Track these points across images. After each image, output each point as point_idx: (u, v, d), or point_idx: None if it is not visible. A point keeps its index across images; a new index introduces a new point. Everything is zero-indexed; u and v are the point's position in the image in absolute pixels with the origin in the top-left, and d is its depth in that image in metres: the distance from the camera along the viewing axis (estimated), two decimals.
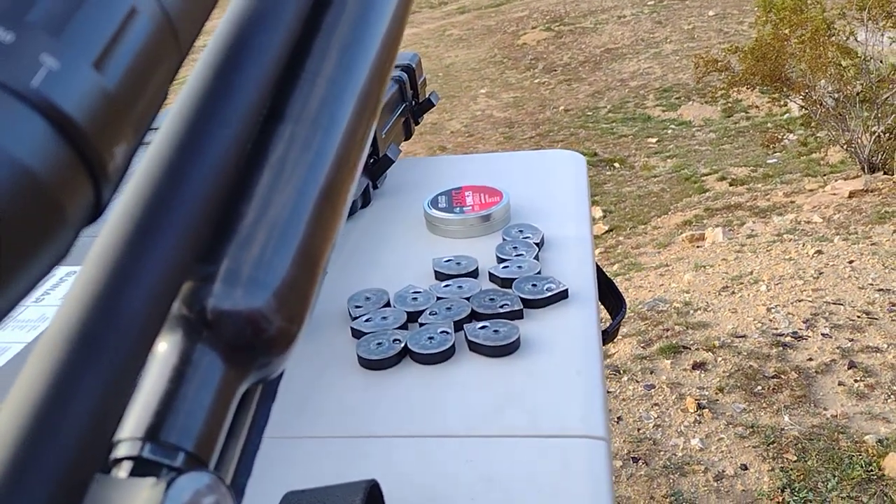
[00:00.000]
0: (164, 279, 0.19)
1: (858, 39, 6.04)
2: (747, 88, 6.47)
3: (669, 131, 9.37)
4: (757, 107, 8.96)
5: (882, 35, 6.13)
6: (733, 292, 3.42)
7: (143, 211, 0.19)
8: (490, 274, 0.86)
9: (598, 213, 7.10)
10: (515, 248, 0.91)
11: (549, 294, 0.79)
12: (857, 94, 5.97)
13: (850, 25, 6.03)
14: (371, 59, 0.28)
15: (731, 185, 7.03)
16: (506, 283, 0.83)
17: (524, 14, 16.38)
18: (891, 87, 5.82)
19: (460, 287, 0.82)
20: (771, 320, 3.09)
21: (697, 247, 4.66)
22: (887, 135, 5.94)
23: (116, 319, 0.18)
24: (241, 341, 0.22)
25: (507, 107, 11.56)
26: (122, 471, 0.19)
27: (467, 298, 0.79)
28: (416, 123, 1.30)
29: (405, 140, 1.26)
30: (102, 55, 0.18)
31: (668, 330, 3.12)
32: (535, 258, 0.88)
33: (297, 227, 0.24)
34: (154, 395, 0.21)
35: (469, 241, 0.96)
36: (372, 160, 1.08)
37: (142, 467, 0.19)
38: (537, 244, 0.91)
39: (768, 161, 7.57)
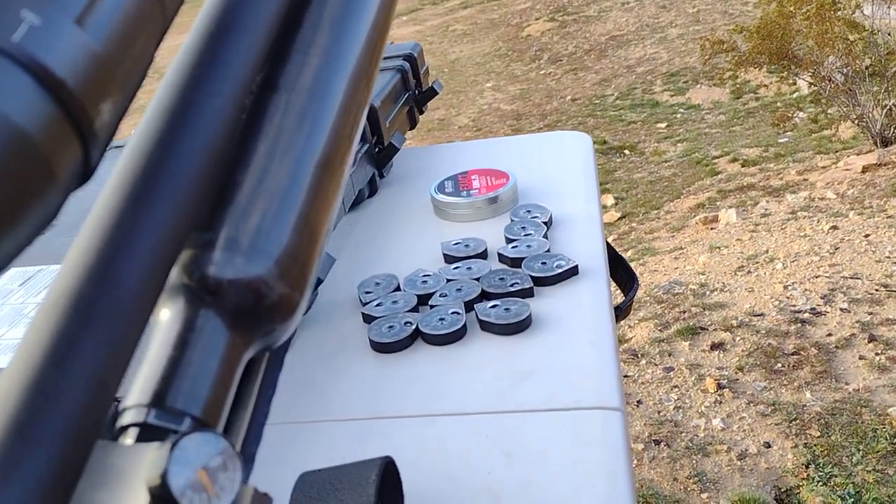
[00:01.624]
0: (159, 247, 0.19)
1: (865, 13, 5.98)
2: (755, 68, 6.42)
3: (678, 116, 9.31)
4: (766, 86, 8.88)
5: (889, 8, 6.05)
6: (749, 272, 3.39)
7: (137, 180, 0.19)
8: (499, 254, 0.86)
9: (609, 200, 7.07)
10: (524, 228, 0.90)
11: (560, 271, 0.79)
12: (867, 68, 5.90)
13: None
14: (364, 29, 0.28)
15: (742, 166, 6.98)
16: (515, 262, 0.83)
17: (527, 6, 16.32)
18: None
19: (470, 268, 0.82)
20: (788, 297, 3.07)
21: (711, 229, 4.63)
22: None
23: (112, 286, 0.18)
24: (244, 308, 0.22)
25: (514, 99, 11.53)
26: (129, 438, 0.19)
27: (477, 279, 0.79)
28: (421, 112, 1.30)
29: (410, 129, 1.26)
30: (84, 12, 0.18)
31: (684, 312, 3.10)
32: (543, 237, 0.88)
33: (295, 195, 0.24)
34: (158, 361, 0.21)
35: (478, 224, 0.96)
36: (377, 149, 1.08)
37: (148, 433, 0.19)
38: (546, 223, 0.91)
39: (779, 140, 7.50)
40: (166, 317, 0.22)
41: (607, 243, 0.98)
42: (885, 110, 5.92)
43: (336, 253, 0.86)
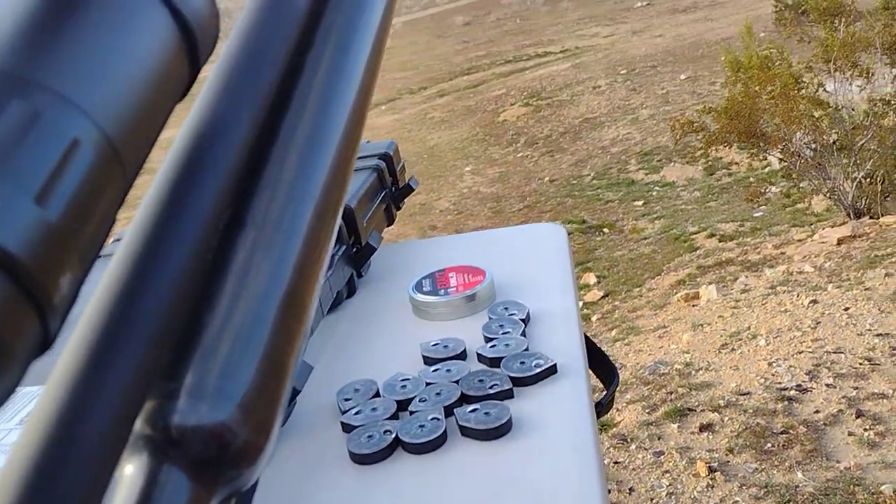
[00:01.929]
0: (124, 400, 0.19)
1: (828, 90, 6.21)
2: (725, 146, 6.61)
3: (654, 193, 9.49)
4: (737, 163, 9.12)
5: (850, 84, 6.30)
6: (733, 349, 3.40)
7: (101, 332, 0.19)
8: (478, 354, 0.85)
9: (591, 279, 7.12)
10: (502, 325, 0.91)
11: (538, 370, 0.79)
12: (834, 143, 6.09)
13: (818, 77, 6.20)
14: (330, 162, 0.28)
15: (720, 241, 7.09)
16: (494, 362, 0.83)
17: (502, 92, 16.82)
18: (865, 133, 5.94)
19: (449, 370, 0.82)
20: (773, 374, 3.06)
21: (693, 306, 4.66)
22: (868, 180, 6.04)
23: (76, 444, 0.17)
24: (208, 457, 0.22)
25: (494, 182, 11.73)
26: None
27: (456, 382, 0.78)
28: (398, 209, 1.32)
29: (388, 226, 1.27)
30: (44, 189, 0.18)
31: (671, 393, 3.08)
32: (521, 335, 0.88)
33: (260, 334, 0.24)
34: None
35: (456, 323, 0.96)
36: (355, 249, 1.09)
37: None
38: (523, 320, 0.91)
39: (754, 215, 7.65)
40: (129, 472, 0.21)
41: (586, 336, 0.98)
42: (854, 183, 6.08)
43: (315, 359, 0.86)
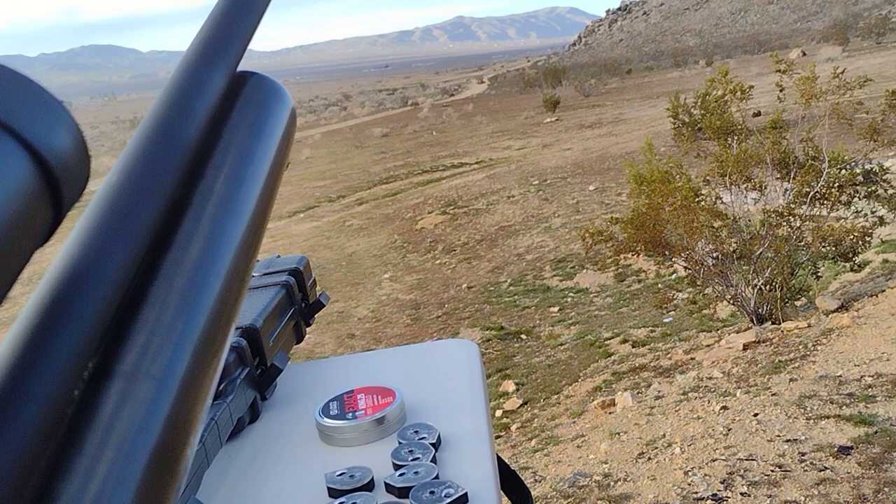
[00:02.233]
0: None
1: (725, 202, 6.60)
2: (633, 254, 6.88)
3: (569, 299, 9.71)
4: (645, 270, 9.48)
5: (745, 196, 6.72)
6: (650, 458, 3.40)
7: None
8: (386, 484, 0.80)
9: (511, 387, 7.10)
10: (411, 451, 0.86)
11: (448, 501, 0.75)
12: (734, 251, 6.42)
13: (715, 190, 6.60)
14: (213, 303, 0.27)
15: (633, 346, 7.25)
16: (403, 492, 0.78)
17: (420, 200, 17.19)
18: (762, 242, 6.30)
19: (355, 503, 0.76)
20: (690, 484, 3.06)
21: (610, 413, 4.68)
22: (767, 286, 6.35)
23: None
24: None
25: (412, 289, 11.77)
26: None
27: None
28: (308, 325, 1.28)
29: (297, 343, 1.23)
30: None
31: None
32: (431, 460, 0.84)
33: (123, 499, 0.21)
34: None
35: (365, 448, 0.91)
36: (259, 371, 1.04)
37: None
38: (433, 444, 0.87)
39: (664, 320, 7.90)
40: None
41: (498, 458, 0.95)
42: (755, 290, 6.38)
43: (212, 494, 0.79)
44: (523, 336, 8.79)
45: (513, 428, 5.65)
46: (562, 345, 8.10)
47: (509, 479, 1.03)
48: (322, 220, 17.59)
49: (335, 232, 16.11)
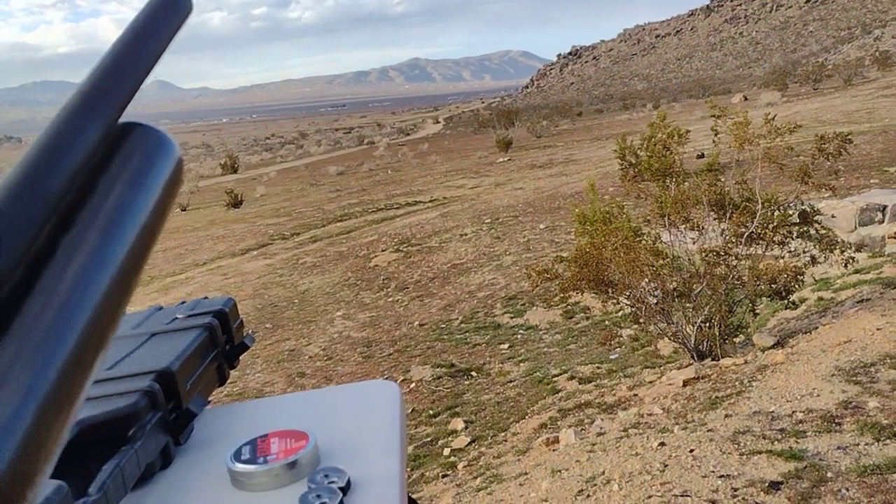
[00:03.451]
0: None
1: (664, 241, 6.78)
2: (579, 292, 7.00)
3: (519, 336, 9.79)
4: (592, 308, 9.63)
5: (684, 236, 6.92)
6: (589, 495, 3.44)
7: None
8: None
9: (459, 424, 7.10)
10: (319, 496, 0.89)
11: None
12: (674, 289, 6.59)
13: (654, 230, 6.79)
14: (66, 356, 0.27)
15: (580, 383, 7.33)
16: None
17: (373, 238, 17.19)
18: (701, 281, 6.48)
19: None
20: None
21: (553, 450, 4.72)
22: (707, 324, 6.52)
23: None
24: None
25: (364, 326, 11.71)
26: None
27: None
28: (232, 367, 1.29)
29: (219, 386, 1.24)
30: None
31: None
32: None
33: None
34: None
35: (275, 493, 0.93)
36: (173, 415, 1.05)
37: None
38: (342, 489, 0.90)
39: (611, 357, 8.01)
40: None
41: (412, 500, 0.98)
42: (695, 327, 6.54)
43: None
44: (473, 373, 8.81)
45: (459, 466, 5.65)
46: (511, 381, 8.15)
47: None
48: (275, 258, 17.42)
49: (288, 269, 15.97)
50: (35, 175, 0.28)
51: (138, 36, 0.32)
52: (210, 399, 1.18)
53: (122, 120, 0.32)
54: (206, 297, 1.43)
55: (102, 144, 0.31)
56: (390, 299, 12.92)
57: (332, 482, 0.91)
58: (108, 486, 0.74)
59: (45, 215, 0.28)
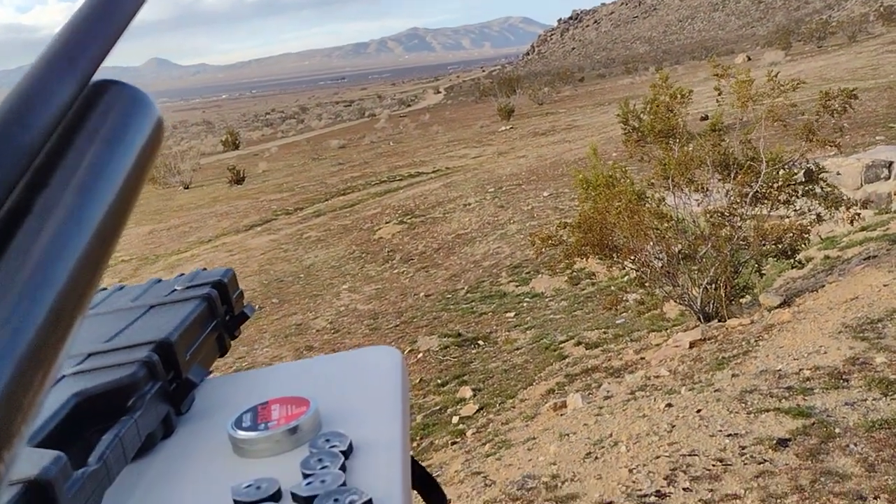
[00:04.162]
0: None
1: (669, 204, 6.75)
2: (585, 258, 6.99)
3: (525, 304, 9.81)
4: (597, 273, 9.63)
5: (689, 198, 6.88)
6: (596, 458, 3.46)
7: None
8: (292, 494, 0.82)
9: (468, 392, 7.14)
10: (321, 460, 0.88)
11: None
12: (679, 252, 6.57)
13: (658, 193, 6.75)
14: (44, 317, 0.27)
15: (587, 348, 7.35)
16: (308, 501, 0.80)
17: (377, 211, 17.18)
18: (706, 242, 6.46)
19: None
20: (634, 482, 3.13)
21: (561, 415, 4.74)
22: (713, 285, 6.51)
23: None
24: None
25: (370, 299, 11.75)
26: None
27: None
28: (233, 337, 1.28)
29: (220, 356, 1.24)
30: None
31: None
32: (340, 468, 0.86)
33: None
34: None
35: (276, 459, 0.93)
36: (173, 385, 1.05)
37: None
38: (344, 452, 0.89)
39: (617, 322, 8.02)
40: None
41: (415, 462, 0.97)
42: (701, 289, 6.54)
43: None
44: (480, 342, 8.85)
45: (468, 434, 5.69)
46: (518, 349, 8.18)
47: (425, 484, 1.06)
48: (279, 233, 17.44)
49: (293, 244, 15.99)
50: (4, 130, 0.27)
51: None
52: (211, 370, 1.18)
53: (98, 78, 0.32)
54: (204, 269, 1.42)
55: (77, 101, 0.30)
56: (395, 271, 12.95)
57: (334, 446, 0.90)
58: (108, 456, 0.74)
59: (17, 172, 0.27)
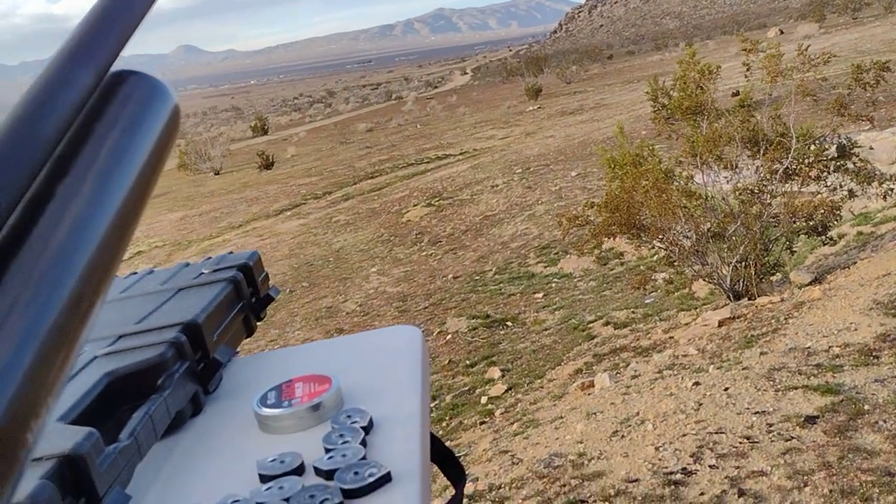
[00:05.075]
0: None
1: (697, 182, 6.68)
2: (614, 237, 6.96)
3: (553, 285, 9.80)
4: (625, 253, 9.58)
5: (717, 175, 6.79)
6: (623, 436, 3.48)
7: None
8: (315, 467, 0.85)
9: (496, 373, 7.18)
10: (342, 435, 0.91)
11: (371, 480, 0.79)
12: (708, 230, 6.51)
13: (686, 171, 6.68)
14: (66, 298, 0.28)
15: (615, 328, 7.34)
16: (329, 474, 0.82)
17: (405, 194, 17.22)
18: (735, 220, 6.39)
19: (281, 487, 0.81)
20: (660, 459, 3.15)
21: (588, 394, 4.76)
22: (743, 263, 6.45)
23: None
24: None
25: (399, 281, 11.82)
26: None
27: (287, 500, 0.78)
28: (259, 319, 1.32)
29: (247, 337, 1.28)
30: None
31: (564, 486, 3.11)
32: (360, 443, 0.89)
33: None
34: None
35: (300, 435, 0.96)
36: (201, 365, 1.09)
37: None
38: (364, 428, 0.92)
39: (646, 301, 7.99)
40: None
41: (434, 437, 1.00)
42: (730, 267, 6.48)
43: (144, 489, 0.84)
44: (509, 323, 8.87)
45: (497, 413, 5.73)
46: (546, 330, 8.19)
47: (444, 458, 1.10)
48: (309, 217, 17.58)
49: (322, 228, 16.11)
50: (27, 121, 0.29)
51: None
52: (237, 350, 1.22)
53: (117, 68, 0.33)
54: (231, 252, 1.47)
55: (96, 91, 0.31)
56: (424, 253, 13.00)
57: (355, 422, 0.94)
58: (139, 432, 0.77)
59: (40, 160, 0.28)
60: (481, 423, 5.68)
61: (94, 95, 0.32)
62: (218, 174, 29.06)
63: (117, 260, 0.32)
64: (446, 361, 7.91)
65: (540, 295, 9.53)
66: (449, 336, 8.78)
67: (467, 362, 7.79)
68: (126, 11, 0.32)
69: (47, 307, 0.28)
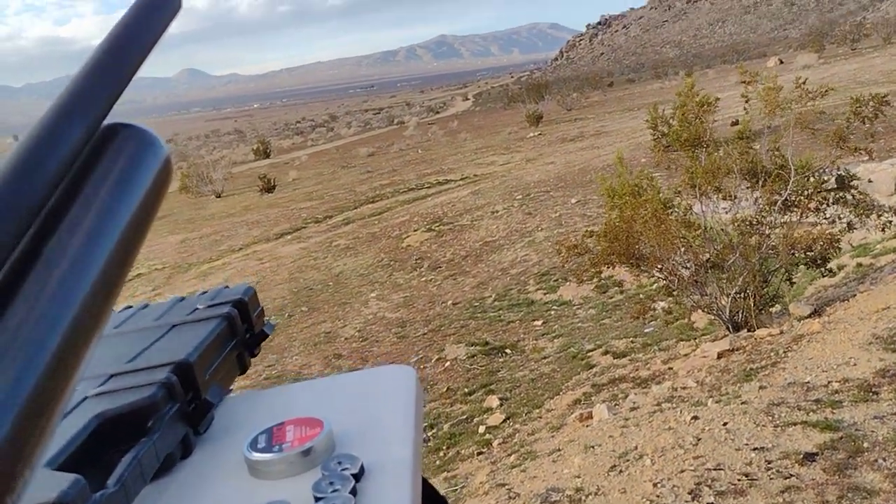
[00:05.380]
0: None
1: (696, 212, 6.69)
2: (612, 266, 6.96)
3: (553, 312, 9.77)
4: (625, 281, 9.57)
5: (716, 206, 6.81)
6: (621, 471, 3.45)
7: None
8: None
9: (494, 402, 7.15)
10: (332, 483, 0.90)
11: None
12: (707, 261, 6.51)
13: (685, 201, 6.69)
14: (50, 356, 0.28)
15: (614, 357, 7.31)
16: None
17: (405, 218, 17.25)
18: (734, 251, 6.39)
19: None
20: (658, 496, 3.11)
21: (586, 426, 4.73)
22: (742, 294, 6.43)
23: None
24: None
25: (398, 307, 11.79)
26: None
27: None
28: (253, 356, 1.31)
29: (241, 374, 1.26)
30: None
31: None
32: (350, 492, 0.87)
33: None
34: None
35: (290, 481, 0.95)
36: (192, 406, 1.07)
37: None
38: (355, 475, 0.91)
39: (645, 331, 7.97)
40: None
41: (426, 483, 0.99)
42: (730, 298, 6.47)
43: None
44: (508, 350, 8.83)
45: (494, 444, 5.69)
46: (545, 358, 8.15)
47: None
48: (309, 241, 17.59)
49: (322, 252, 16.12)
50: (16, 179, 0.28)
51: (125, 36, 0.32)
52: (231, 388, 1.20)
53: (109, 121, 0.33)
54: (226, 286, 1.46)
55: (87, 146, 0.31)
56: (423, 279, 12.98)
57: (346, 469, 0.92)
58: (126, 478, 0.76)
59: (28, 219, 0.28)
60: (479, 454, 5.64)
61: (85, 149, 0.32)
62: (219, 197, 29.16)
63: (103, 319, 0.31)
64: (444, 389, 7.87)
65: (539, 322, 9.50)
66: (447, 363, 8.74)
67: (465, 390, 7.74)
68: (120, 63, 0.32)
69: (31, 369, 0.27)
